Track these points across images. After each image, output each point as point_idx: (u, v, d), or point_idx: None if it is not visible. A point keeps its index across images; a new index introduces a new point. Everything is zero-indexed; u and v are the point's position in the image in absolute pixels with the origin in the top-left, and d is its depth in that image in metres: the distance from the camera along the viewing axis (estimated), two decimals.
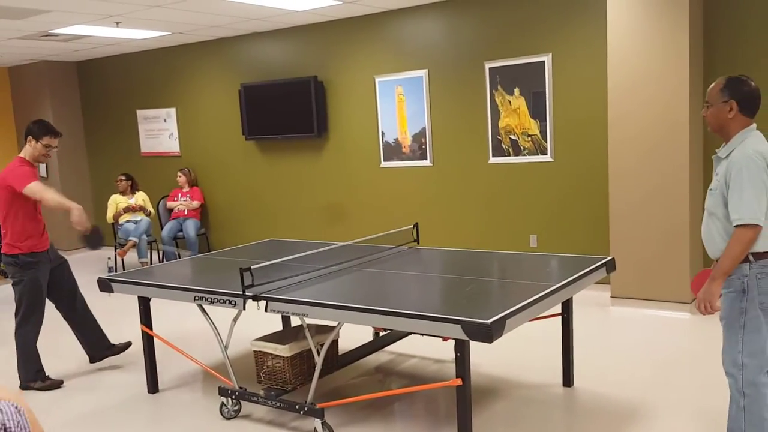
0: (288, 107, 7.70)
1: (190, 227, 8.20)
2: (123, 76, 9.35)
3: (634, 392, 3.92)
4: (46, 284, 4.56)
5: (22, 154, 4.47)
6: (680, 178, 5.26)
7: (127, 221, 8.21)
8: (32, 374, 4.53)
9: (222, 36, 8.08)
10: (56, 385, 4.56)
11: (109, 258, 8.40)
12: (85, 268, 8.82)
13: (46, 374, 4.57)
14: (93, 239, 4.56)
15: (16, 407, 1.23)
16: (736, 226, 2.72)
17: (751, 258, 2.76)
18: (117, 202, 8.36)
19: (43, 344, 4.64)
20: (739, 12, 5.34)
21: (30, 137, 4.43)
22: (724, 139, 2.89)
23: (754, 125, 2.85)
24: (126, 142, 9.56)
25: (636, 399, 3.83)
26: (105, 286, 4.23)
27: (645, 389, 3.96)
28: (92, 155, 9.99)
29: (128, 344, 4.97)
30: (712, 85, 2.90)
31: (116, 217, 8.28)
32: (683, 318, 5.29)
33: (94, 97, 9.78)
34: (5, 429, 1.19)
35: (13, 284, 4.49)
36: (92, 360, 4.89)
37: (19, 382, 4.54)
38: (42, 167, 9.79)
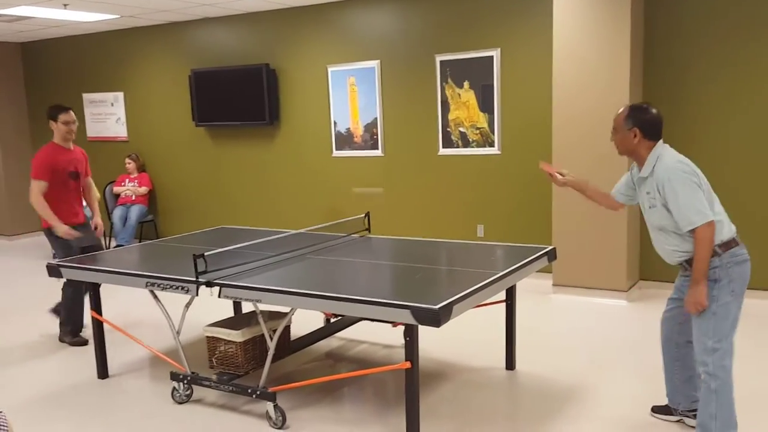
0: (239, 94, 7.69)
1: (134, 213, 8.12)
2: (69, 58, 9.14)
3: (573, 376, 4.13)
4: (77, 249, 4.93)
5: (54, 139, 4.99)
6: (618, 172, 5.48)
7: None
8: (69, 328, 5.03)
9: (172, 20, 7.99)
10: (84, 342, 5.00)
11: None
12: (32, 253, 8.64)
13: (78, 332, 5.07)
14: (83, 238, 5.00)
15: (0, 411, 1.29)
16: (692, 231, 2.91)
17: (718, 250, 2.94)
18: None
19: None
20: (676, 13, 5.60)
21: (51, 121, 4.95)
22: (637, 161, 3.14)
23: (661, 142, 3.09)
24: None
25: (575, 382, 4.04)
26: (54, 271, 4.21)
27: (583, 373, 4.17)
28: (36, 138, 9.73)
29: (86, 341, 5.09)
30: (618, 112, 3.14)
31: None
32: (620, 305, 5.55)
33: (38, 79, 9.53)
34: None
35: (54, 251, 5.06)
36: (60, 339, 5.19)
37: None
38: None
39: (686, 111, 5.61)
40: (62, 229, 4.79)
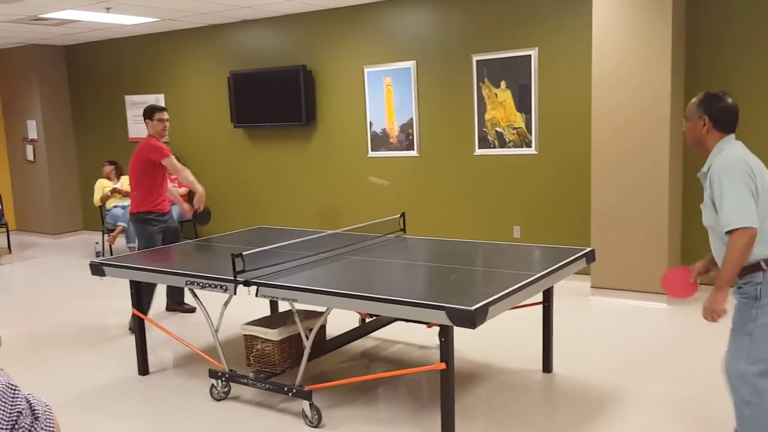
0: (277, 96, 7.77)
1: (173, 213, 8.23)
2: (112, 61, 9.35)
3: (610, 379, 4.07)
4: (160, 239, 5.41)
5: (150, 133, 5.40)
6: (660, 173, 5.41)
7: (115, 206, 8.25)
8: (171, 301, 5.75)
9: (211, 23, 8.11)
10: (192, 309, 5.71)
11: (97, 242, 8.44)
12: (74, 251, 8.87)
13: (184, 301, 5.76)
14: (202, 217, 5.59)
15: (47, 404, 1.32)
16: (728, 233, 2.68)
17: (764, 266, 2.71)
18: (104, 185, 8.38)
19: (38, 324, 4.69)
20: (720, 9, 5.48)
21: (146, 119, 5.39)
22: (703, 154, 2.92)
23: (732, 136, 2.86)
24: (114, 127, 9.57)
25: (612, 386, 3.98)
26: (97, 270, 4.30)
27: (621, 377, 4.11)
28: (80, 139, 9.99)
29: (194, 309, 5.83)
30: (692, 100, 2.94)
31: (103, 200, 8.31)
32: (660, 308, 5.45)
33: (81, 81, 9.77)
34: (31, 408, 1.28)
35: (137, 236, 5.55)
36: (167, 308, 5.89)
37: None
38: (29, 151, 9.79)
39: None
40: (201, 189, 5.43)
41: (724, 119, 2.84)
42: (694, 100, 2.92)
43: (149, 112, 5.41)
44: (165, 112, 5.43)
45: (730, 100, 2.87)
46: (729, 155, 2.76)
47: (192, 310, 5.79)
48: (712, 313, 2.77)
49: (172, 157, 5.33)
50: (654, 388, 3.93)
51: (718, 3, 5.47)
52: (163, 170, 5.38)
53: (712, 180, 2.76)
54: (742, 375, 2.73)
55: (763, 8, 5.30)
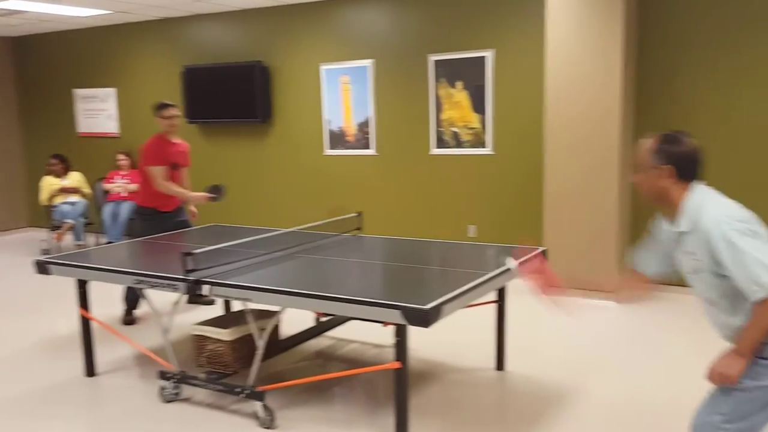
0: (232, 92, 7.66)
1: (124, 210, 8.06)
2: (62, 53, 9.08)
3: (562, 376, 4.13)
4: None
5: (160, 131, 5.37)
6: (610, 173, 5.51)
7: (63, 203, 8.02)
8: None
9: (165, 16, 7.95)
10: (211, 302, 5.47)
11: (44, 240, 8.20)
12: (20, 249, 8.59)
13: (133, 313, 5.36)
14: (217, 195, 5.37)
15: None
16: (759, 301, 2.10)
17: None
18: (50, 183, 8.14)
19: None
20: (670, 9, 5.61)
21: (156, 117, 5.34)
22: (668, 209, 2.34)
23: (699, 184, 2.31)
24: (63, 121, 9.30)
25: (564, 383, 4.04)
26: (42, 268, 4.17)
27: (573, 374, 4.17)
28: (26, 134, 9.68)
29: (212, 301, 5.58)
30: (642, 145, 2.35)
31: (50, 198, 8.07)
32: (609, 306, 5.56)
33: (29, 74, 9.46)
34: None
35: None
36: (189, 301, 5.55)
37: None
38: None
39: (679, 112, 5.62)
40: (196, 196, 5.33)
41: (689, 166, 2.29)
42: (646, 145, 2.34)
43: (156, 110, 5.38)
44: (170, 109, 5.33)
45: (690, 141, 2.32)
46: (719, 206, 2.23)
47: (211, 302, 5.60)
48: (723, 379, 2.21)
49: (159, 168, 5.18)
50: (604, 385, 4.00)
51: (668, 6, 5.60)
52: (167, 170, 5.27)
53: (713, 244, 2.16)
54: (714, 428, 2.26)
55: (712, 11, 5.44)
